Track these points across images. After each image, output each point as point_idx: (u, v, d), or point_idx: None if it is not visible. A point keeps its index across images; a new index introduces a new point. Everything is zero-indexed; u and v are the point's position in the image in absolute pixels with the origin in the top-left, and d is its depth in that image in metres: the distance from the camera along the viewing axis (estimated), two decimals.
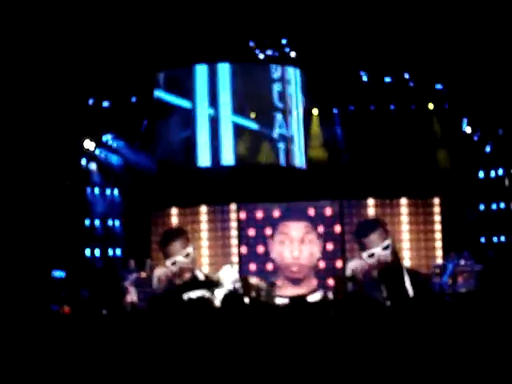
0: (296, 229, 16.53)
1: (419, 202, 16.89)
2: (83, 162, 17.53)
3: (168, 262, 16.44)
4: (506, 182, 16.55)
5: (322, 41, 15.80)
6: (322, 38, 15.74)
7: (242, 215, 16.96)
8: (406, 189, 16.81)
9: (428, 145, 16.79)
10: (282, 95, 16.39)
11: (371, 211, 16.74)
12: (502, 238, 16.63)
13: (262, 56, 16.43)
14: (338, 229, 16.73)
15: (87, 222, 17.49)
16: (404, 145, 16.55)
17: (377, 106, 16.82)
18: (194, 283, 15.46)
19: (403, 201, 16.88)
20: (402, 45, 15.56)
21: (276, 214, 16.86)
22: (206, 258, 16.83)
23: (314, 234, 16.49)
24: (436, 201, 16.86)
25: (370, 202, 16.76)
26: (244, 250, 16.87)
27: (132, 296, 16.03)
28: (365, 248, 16.16)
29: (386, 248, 16.09)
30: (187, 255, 16.41)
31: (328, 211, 16.76)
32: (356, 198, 16.86)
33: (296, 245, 16.35)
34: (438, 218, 16.78)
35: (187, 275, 16.18)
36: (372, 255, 16.00)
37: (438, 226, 16.76)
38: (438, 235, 16.71)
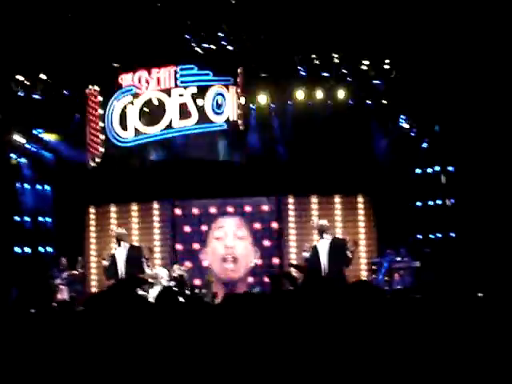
0: (230, 223, 16.64)
1: (352, 199, 17.01)
2: (13, 156, 17.17)
3: None
4: (443, 178, 16.70)
5: (259, 32, 15.77)
6: (259, 30, 15.72)
7: (178, 211, 16.99)
8: (341, 185, 16.89)
9: (364, 141, 16.84)
10: None
11: (312, 207, 16.84)
12: (439, 235, 16.77)
13: (199, 50, 16.31)
14: (274, 225, 16.88)
15: (17, 219, 17.12)
16: (341, 141, 16.59)
17: (314, 101, 16.81)
18: (130, 281, 15.21)
19: (337, 198, 16.99)
20: (341, 39, 15.58)
21: (212, 210, 16.93)
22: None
23: (245, 230, 16.53)
24: (367, 197, 17.00)
25: (312, 198, 16.87)
26: (180, 247, 16.90)
27: (63, 294, 15.79)
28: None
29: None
30: None
31: (265, 207, 16.93)
32: (296, 194, 16.92)
33: (230, 237, 16.42)
34: (367, 214, 16.98)
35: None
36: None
37: (372, 223, 16.91)
38: (373, 232, 16.87)
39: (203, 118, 16.51)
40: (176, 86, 16.59)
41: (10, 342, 5.87)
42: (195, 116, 16.46)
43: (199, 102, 16.43)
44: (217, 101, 16.65)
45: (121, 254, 14.92)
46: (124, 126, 16.57)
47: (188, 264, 15.92)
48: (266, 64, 16.53)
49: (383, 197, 16.89)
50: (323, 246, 14.04)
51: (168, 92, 16.53)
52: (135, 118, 16.55)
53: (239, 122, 16.78)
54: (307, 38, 15.75)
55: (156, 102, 16.49)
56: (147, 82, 16.63)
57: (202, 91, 16.56)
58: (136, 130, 16.50)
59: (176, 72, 16.60)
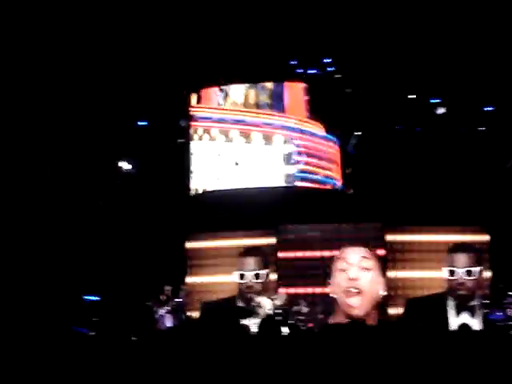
0: (353, 253, 15.67)
1: (470, 231, 16.53)
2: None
3: (236, 273, 15.91)
4: None
5: (366, 60, 15.70)
6: (366, 58, 15.64)
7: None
8: (452, 217, 16.51)
9: (476, 170, 16.53)
10: None
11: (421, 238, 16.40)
12: None
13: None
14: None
15: None
16: (452, 170, 16.36)
17: (423, 128, 16.63)
18: (231, 310, 15.28)
19: (454, 229, 16.49)
20: (449, 66, 15.44)
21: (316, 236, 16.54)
22: None
23: (372, 260, 15.68)
24: (482, 231, 16.50)
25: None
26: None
27: (167, 323, 16.00)
28: (448, 264, 15.58)
29: (469, 273, 15.43)
30: (257, 276, 15.84)
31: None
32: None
33: (354, 268, 15.43)
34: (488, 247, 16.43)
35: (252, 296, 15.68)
36: (452, 273, 15.41)
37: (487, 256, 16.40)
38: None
39: None
40: None
41: (110, 369, 5.97)
42: None
43: None
44: None
45: None
46: None
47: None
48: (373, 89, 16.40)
49: (499, 231, 16.46)
50: None
51: None
52: None
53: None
54: (416, 63, 15.64)
55: None
56: None
57: None
58: None
59: None
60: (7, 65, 15.22)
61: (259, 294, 15.33)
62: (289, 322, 14.04)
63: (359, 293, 15.24)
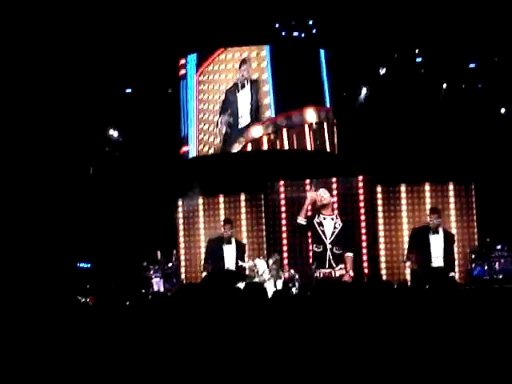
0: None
1: (460, 188, 16.74)
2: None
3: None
4: None
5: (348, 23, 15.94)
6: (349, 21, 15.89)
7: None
8: (448, 173, 16.68)
9: (464, 128, 16.73)
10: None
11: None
12: None
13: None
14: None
15: None
16: (440, 129, 16.59)
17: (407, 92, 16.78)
18: (225, 274, 15.50)
19: (450, 186, 16.71)
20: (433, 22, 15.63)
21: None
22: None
23: None
24: (472, 186, 16.75)
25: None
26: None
27: (159, 287, 16.21)
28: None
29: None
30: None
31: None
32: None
33: None
34: (474, 203, 16.69)
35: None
36: None
37: (474, 211, 16.68)
38: (475, 221, 16.65)
39: None
40: None
41: (108, 333, 6.22)
42: None
43: None
44: None
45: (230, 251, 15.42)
46: None
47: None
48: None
49: (484, 185, 16.68)
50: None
51: None
52: None
53: None
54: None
55: None
56: None
57: None
58: None
59: None
60: None
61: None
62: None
63: None
